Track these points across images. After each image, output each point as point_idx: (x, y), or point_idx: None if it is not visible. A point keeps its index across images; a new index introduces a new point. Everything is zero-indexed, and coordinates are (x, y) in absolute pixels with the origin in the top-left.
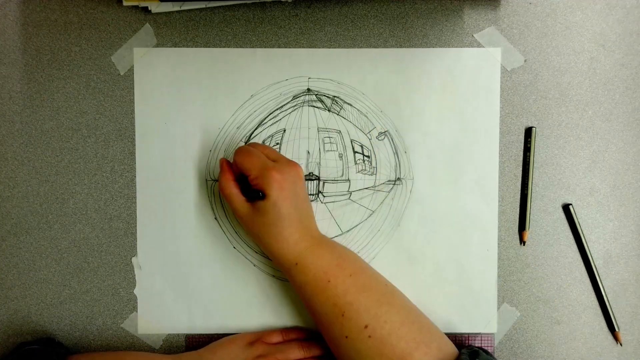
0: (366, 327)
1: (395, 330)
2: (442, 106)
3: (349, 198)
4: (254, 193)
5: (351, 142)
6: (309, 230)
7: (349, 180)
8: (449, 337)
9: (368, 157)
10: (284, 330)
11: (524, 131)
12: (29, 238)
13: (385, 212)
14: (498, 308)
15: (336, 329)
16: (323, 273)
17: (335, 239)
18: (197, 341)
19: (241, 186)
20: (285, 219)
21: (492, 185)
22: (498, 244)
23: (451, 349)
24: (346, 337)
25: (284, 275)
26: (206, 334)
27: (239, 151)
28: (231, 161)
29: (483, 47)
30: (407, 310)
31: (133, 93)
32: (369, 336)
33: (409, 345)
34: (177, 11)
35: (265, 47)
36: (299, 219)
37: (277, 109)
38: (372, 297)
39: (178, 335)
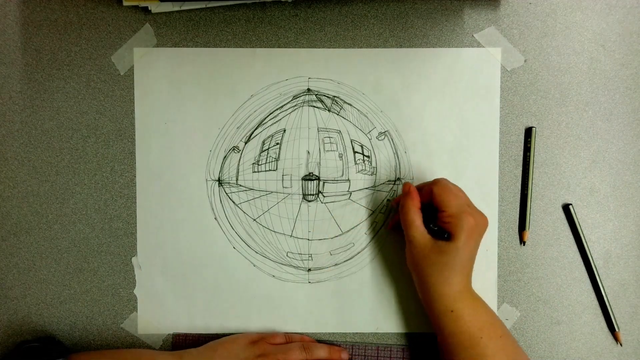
0: None
1: None
2: (442, 106)
3: (349, 198)
4: (441, 231)
5: (351, 142)
6: (470, 282)
7: (349, 180)
8: None
9: (368, 157)
10: (287, 333)
11: (524, 131)
12: (29, 238)
13: (385, 212)
14: (498, 308)
15: None
16: (477, 329)
17: (335, 239)
18: (184, 341)
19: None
20: (461, 266)
21: (492, 185)
22: (498, 244)
23: None
24: None
25: (438, 321)
26: (204, 334)
27: (440, 183)
28: (414, 186)
29: (483, 47)
30: None
31: (133, 93)
32: None
33: None
34: (177, 11)
35: (265, 47)
36: (470, 269)
37: (277, 109)
38: None
39: (178, 335)
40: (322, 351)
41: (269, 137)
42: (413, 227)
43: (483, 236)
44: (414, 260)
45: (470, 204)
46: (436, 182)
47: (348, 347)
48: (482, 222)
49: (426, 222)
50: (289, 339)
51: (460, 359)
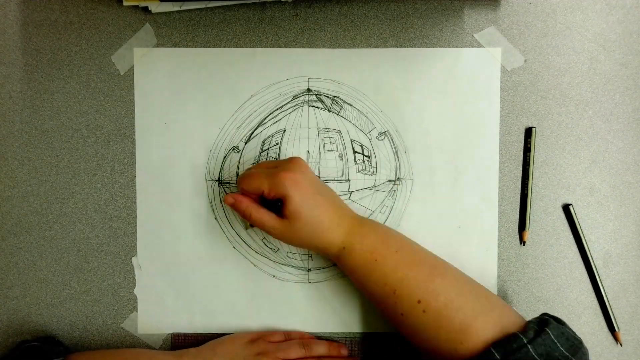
0: (419, 301)
1: (450, 302)
2: (442, 106)
3: (349, 198)
4: (274, 203)
5: (351, 142)
6: (345, 211)
7: (349, 180)
8: None
9: (368, 157)
10: (286, 331)
11: (524, 131)
12: (29, 238)
13: (385, 212)
14: None
15: (390, 308)
16: (369, 253)
17: None
18: (184, 341)
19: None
20: (318, 208)
21: (492, 185)
22: (498, 244)
23: (515, 317)
24: (401, 314)
25: (332, 261)
26: (204, 334)
27: (240, 179)
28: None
29: (483, 47)
30: (462, 282)
31: (133, 93)
32: (424, 311)
33: (467, 316)
34: (177, 11)
35: (265, 47)
36: (330, 201)
37: (277, 109)
38: (422, 271)
39: (178, 335)
40: (321, 348)
41: (269, 137)
42: (264, 221)
43: (309, 172)
44: (288, 241)
45: (278, 164)
46: (238, 181)
47: (347, 343)
48: (294, 167)
49: (269, 207)
50: (288, 337)
51: (370, 291)
